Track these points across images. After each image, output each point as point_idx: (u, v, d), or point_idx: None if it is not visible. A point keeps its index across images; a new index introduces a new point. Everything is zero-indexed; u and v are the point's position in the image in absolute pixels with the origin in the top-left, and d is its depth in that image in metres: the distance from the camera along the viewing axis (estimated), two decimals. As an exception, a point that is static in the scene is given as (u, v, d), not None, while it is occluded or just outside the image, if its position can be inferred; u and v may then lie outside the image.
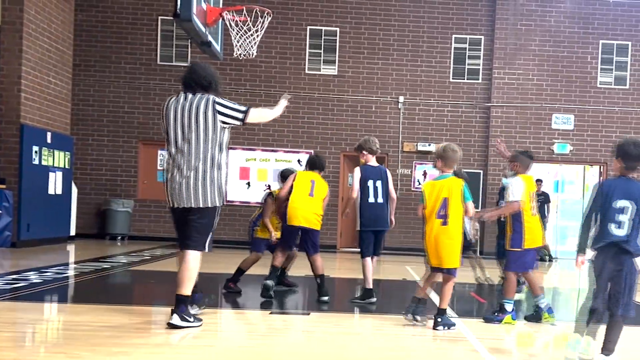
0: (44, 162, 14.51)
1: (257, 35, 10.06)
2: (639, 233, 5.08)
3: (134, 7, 17.98)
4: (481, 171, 18.06)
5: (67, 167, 15.65)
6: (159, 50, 18.01)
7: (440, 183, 6.78)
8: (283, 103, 6.64)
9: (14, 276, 9.24)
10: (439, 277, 6.91)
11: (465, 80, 18.34)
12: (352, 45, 18.24)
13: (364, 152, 8.36)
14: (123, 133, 17.88)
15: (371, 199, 8.20)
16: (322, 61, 18.24)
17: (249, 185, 17.95)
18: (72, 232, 16.21)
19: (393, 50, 18.28)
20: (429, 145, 18.08)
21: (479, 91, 18.34)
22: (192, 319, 6.08)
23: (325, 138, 18.01)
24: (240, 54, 10.15)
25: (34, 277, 9.09)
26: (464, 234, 7.55)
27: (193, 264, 6.07)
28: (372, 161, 8.39)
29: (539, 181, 15.35)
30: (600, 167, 18.56)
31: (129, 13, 17.99)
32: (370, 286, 8.29)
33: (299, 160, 17.22)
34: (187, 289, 6.04)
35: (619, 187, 5.15)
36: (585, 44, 18.34)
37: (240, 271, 8.83)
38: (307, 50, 18.23)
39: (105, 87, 17.87)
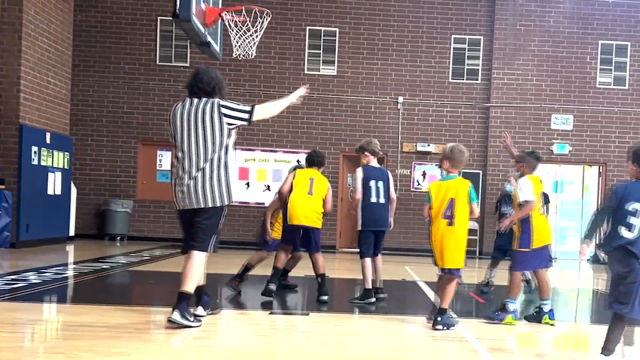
0: (43, 163, 14.50)
1: (256, 36, 10.06)
2: None
3: (133, 8, 17.98)
4: (480, 171, 18.05)
5: (66, 167, 15.64)
6: (158, 50, 18.00)
7: (447, 184, 6.79)
8: (300, 91, 6.63)
9: (13, 277, 9.23)
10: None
11: (465, 81, 18.34)
12: (351, 45, 18.24)
13: (367, 153, 8.41)
14: (122, 133, 17.87)
15: (373, 199, 8.24)
16: (321, 61, 18.24)
17: (248, 185, 17.95)
18: (71, 233, 16.20)
19: (392, 51, 18.28)
20: (428, 145, 18.09)
21: (478, 91, 18.35)
22: (191, 319, 6.08)
23: (324, 138, 18.01)
24: (239, 55, 10.15)
25: (33, 278, 9.09)
26: None
27: (197, 263, 6.10)
28: (374, 162, 8.46)
29: (538, 181, 15.33)
30: (599, 168, 18.56)
31: (128, 13, 17.99)
32: (370, 286, 8.30)
33: (298, 161, 17.20)
34: (190, 286, 6.05)
35: (634, 190, 5.19)
36: (584, 44, 18.35)
37: (247, 269, 8.85)
38: (306, 50, 18.23)
39: (104, 87, 17.86)
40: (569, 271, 15.08)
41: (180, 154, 6.14)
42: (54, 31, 14.95)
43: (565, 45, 18.33)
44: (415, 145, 18.17)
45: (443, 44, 18.31)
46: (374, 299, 8.30)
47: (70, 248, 14.92)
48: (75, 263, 11.89)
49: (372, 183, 8.24)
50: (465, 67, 18.32)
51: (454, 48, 18.31)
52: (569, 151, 18.32)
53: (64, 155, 15.49)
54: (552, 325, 7.31)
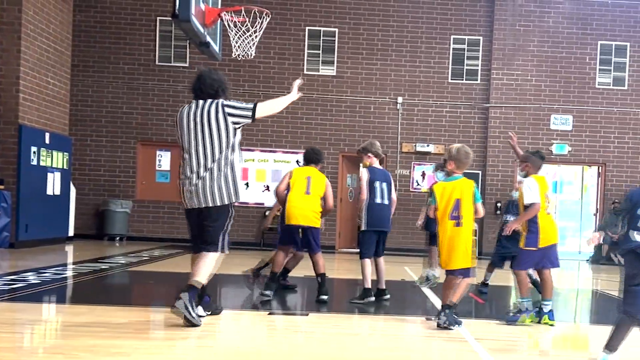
0: (42, 163, 14.49)
1: (256, 36, 10.06)
2: None
3: (132, 8, 17.97)
4: (480, 172, 18.05)
5: (65, 167, 15.63)
6: (157, 50, 18.00)
7: (451, 184, 6.79)
8: (296, 86, 6.70)
9: (12, 277, 9.22)
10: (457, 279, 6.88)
11: (464, 81, 18.35)
12: (351, 45, 18.24)
13: (370, 154, 8.46)
14: (121, 134, 17.87)
15: (378, 200, 8.29)
16: (320, 62, 18.24)
17: (247, 185, 17.95)
18: (71, 233, 16.19)
19: (392, 51, 18.28)
20: (428, 146, 18.10)
21: (477, 92, 18.35)
22: (195, 311, 6.05)
23: (323, 139, 18.00)
24: (238, 55, 10.16)
25: (32, 278, 9.08)
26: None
27: (210, 261, 6.20)
28: (376, 164, 8.53)
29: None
30: (598, 168, 18.57)
31: (127, 14, 17.98)
32: (369, 286, 8.31)
33: (297, 161, 17.21)
34: (200, 278, 6.11)
35: None
36: (583, 44, 18.35)
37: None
38: (306, 50, 18.23)
39: (103, 87, 17.86)
40: (569, 271, 15.08)
41: (187, 155, 6.25)
42: (53, 31, 14.94)
43: (565, 45, 18.33)
44: (415, 146, 18.18)
45: (442, 44, 18.32)
46: (373, 298, 8.30)
47: (69, 248, 14.92)
48: (74, 263, 11.90)
49: (377, 184, 8.30)
50: (465, 67, 18.32)
51: (453, 48, 18.32)
52: (568, 151, 18.32)
53: (63, 155, 15.49)
54: (551, 325, 7.32)
